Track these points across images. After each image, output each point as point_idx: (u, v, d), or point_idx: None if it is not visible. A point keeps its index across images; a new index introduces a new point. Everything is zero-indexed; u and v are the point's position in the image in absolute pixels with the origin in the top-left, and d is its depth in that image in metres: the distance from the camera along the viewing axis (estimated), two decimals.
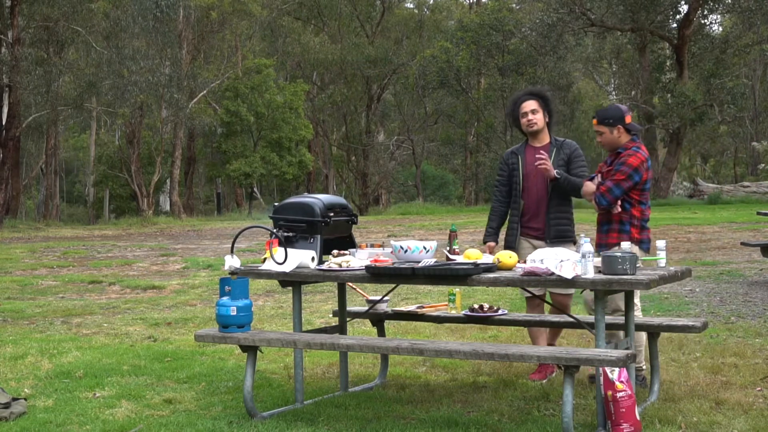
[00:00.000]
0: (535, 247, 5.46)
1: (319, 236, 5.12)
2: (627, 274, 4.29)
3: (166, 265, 14.06)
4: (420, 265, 4.68)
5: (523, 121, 5.80)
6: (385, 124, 44.05)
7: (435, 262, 4.76)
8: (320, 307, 8.99)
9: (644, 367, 5.46)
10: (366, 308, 5.86)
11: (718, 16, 35.98)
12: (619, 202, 5.35)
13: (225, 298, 4.96)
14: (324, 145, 43.78)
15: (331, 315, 7.66)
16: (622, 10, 29.27)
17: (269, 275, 5.06)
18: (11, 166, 28.55)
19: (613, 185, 5.28)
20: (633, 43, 32.48)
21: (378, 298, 5.83)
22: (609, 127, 5.37)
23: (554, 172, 5.59)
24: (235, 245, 5.37)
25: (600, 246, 5.41)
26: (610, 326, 4.92)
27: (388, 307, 5.90)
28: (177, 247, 17.46)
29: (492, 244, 5.86)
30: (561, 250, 4.46)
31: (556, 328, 5.80)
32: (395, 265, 4.77)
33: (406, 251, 4.82)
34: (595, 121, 5.47)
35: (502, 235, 5.94)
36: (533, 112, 5.77)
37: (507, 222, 5.93)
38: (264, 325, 7.94)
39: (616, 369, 4.30)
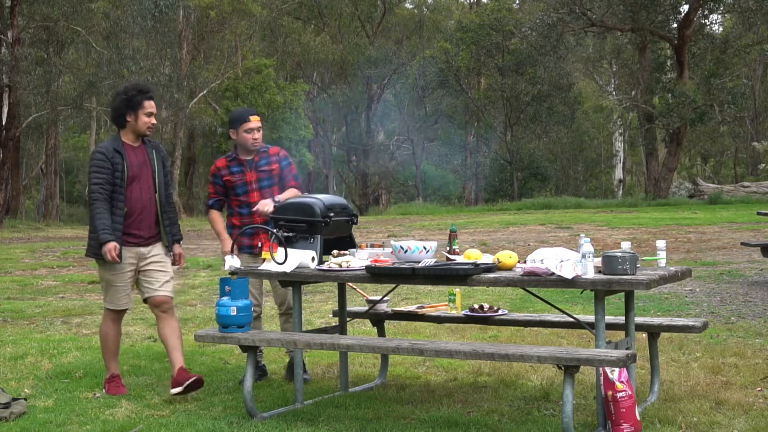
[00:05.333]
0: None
1: (319, 236, 5.12)
2: (627, 274, 4.29)
3: None
4: (420, 265, 4.68)
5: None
6: (385, 124, 44.05)
7: (435, 262, 4.76)
8: (320, 307, 8.99)
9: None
10: (366, 308, 5.86)
11: (719, 16, 35.98)
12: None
13: (225, 298, 4.97)
14: (324, 145, 43.78)
15: (331, 315, 7.66)
16: (623, 10, 29.25)
17: (269, 275, 5.07)
18: (11, 166, 28.55)
19: None
20: (633, 43, 32.47)
21: (378, 298, 5.83)
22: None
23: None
24: (235, 246, 5.37)
25: None
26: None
27: (388, 307, 5.89)
28: None
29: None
30: (561, 250, 4.46)
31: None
32: (395, 265, 4.77)
33: (406, 251, 4.82)
34: (258, 117, 5.85)
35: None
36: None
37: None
38: (264, 325, 7.93)
39: (616, 369, 4.29)
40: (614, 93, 39.55)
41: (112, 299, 5.56)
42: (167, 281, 5.53)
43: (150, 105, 5.45)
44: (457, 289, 5.73)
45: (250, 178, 5.81)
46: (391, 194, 43.41)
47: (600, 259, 4.43)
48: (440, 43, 38.63)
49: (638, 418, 4.34)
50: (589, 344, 6.20)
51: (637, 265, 4.44)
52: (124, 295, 5.56)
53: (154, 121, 5.49)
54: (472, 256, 4.76)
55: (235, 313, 4.93)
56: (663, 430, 4.45)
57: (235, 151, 5.89)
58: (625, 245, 4.63)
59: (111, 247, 5.29)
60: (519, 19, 35.38)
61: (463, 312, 5.61)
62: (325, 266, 4.98)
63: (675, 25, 30.25)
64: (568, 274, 4.25)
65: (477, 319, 5.52)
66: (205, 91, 34.33)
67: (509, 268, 4.64)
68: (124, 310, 5.65)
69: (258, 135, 5.80)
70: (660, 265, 4.80)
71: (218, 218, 5.92)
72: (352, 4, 41.41)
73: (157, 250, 5.54)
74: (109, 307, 5.59)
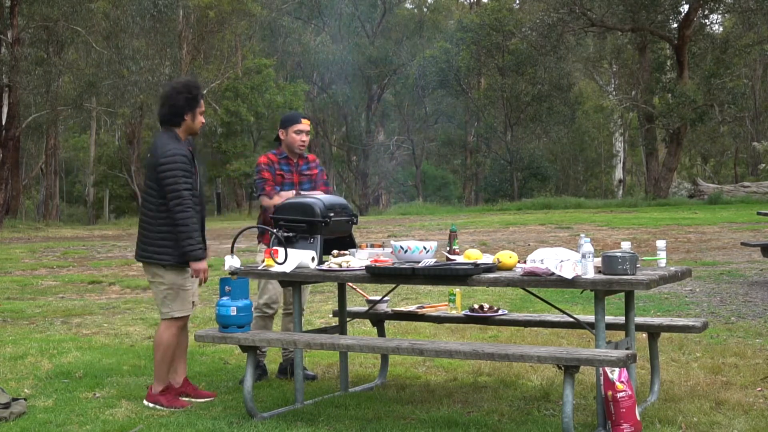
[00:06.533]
0: None
1: (319, 236, 5.12)
2: (627, 274, 4.28)
3: None
4: (420, 265, 4.68)
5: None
6: (385, 124, 44.04)
7: (435, 262, 4.76)
8: (320, 307, 8.99)
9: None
10: (366, 308, 5.86)
11: (719, 16, 35.96)
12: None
13: (225, 298, 4.97)
14: (324, 145, 43.79)
15: (331, 315, 7.66)
16: (623, 10, 29.24)
17: (269, 275, 5.06)
18: (11, 166, 28.53)
19: None
20: (633, 43, 32.45)
21: (378, 298, 5.83)
22: None
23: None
24: (235, 245, 5.37)
25: None
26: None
27: (388, 307, 5.89)
28: None
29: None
30: (561, 250, 4.46)
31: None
32: (395, 265, 4.77)
33: (406, 251, 4.81)
34: (309, 121, 5.94)
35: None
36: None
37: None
38: None
39: (616, 369, 4.29)
40: (614, 93, 39.53)
41: (182, 306, 5.22)
42: (196, 292, 5.46)
43: (203, 103, 5.34)
44: (457, 289, 5.73)
45: (295, 179, 5.91)
46: (391, 194, 43.40)
47: (600, 259, 4.43)
48: (440, 43, 38.64)
49: (638, 418, 4.34)
50: (589, 344, 6.19)
51: (637, 265, 4.44)
52: (191, 300, 5.31)
53: (304, 138, 5.50)
54: (472, 256, 4.76)
55: (235, 313, 4.93)
56: (663, 430, 4.44)
57: (282, 150, 5.95)
58: (625, 245, 4.63)
59: (205, 268, 5.12)
60: (519, 19, 35.36)
61: (463, 312, 5.61)
62: (325, 266, 4.98)
63: (675, 25, 30.24)
64: (568, 274, 4.25)
65: (477, 319, 5.52)
66: (204, 91, 34.27)
67: (509, 268, 4.64)
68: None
69: (306, 138, 5.91)
70: (660, 265, 4.80)
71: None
72: (352, 4, 41.41)
73: None
74: (179, 315, 5.22)
